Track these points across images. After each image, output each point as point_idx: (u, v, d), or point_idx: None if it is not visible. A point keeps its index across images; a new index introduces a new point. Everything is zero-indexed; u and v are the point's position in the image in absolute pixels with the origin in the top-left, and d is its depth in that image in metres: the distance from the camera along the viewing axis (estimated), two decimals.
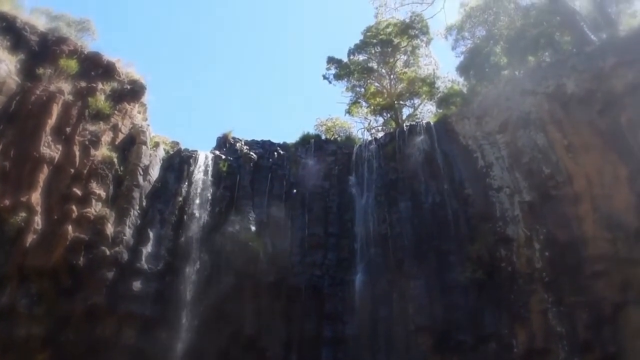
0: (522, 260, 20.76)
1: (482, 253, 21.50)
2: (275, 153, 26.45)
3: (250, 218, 23.32)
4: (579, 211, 20.36)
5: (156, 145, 24.22)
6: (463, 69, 30.05)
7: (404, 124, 30.70)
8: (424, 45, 34.52)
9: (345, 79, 34.61)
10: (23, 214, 19.64)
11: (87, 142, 22.01)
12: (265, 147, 26.76)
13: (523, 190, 21.90)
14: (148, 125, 25.00)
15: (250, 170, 25.11)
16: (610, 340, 18.64)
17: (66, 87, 22.62)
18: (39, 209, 20.00)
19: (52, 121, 21.64)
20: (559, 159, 21.53)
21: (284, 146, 27.29)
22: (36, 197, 20.08)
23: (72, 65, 23.28)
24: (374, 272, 22.79)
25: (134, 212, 21.76)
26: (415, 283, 22.07)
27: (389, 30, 34.02)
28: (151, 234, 21.80)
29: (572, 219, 20.32)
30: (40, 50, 23.35)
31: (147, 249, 21.53)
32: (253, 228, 23.17)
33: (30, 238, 19.60)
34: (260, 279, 22.48)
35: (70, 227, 20.20)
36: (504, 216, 21.82)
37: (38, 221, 19.87)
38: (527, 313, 20.11)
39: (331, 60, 34.68)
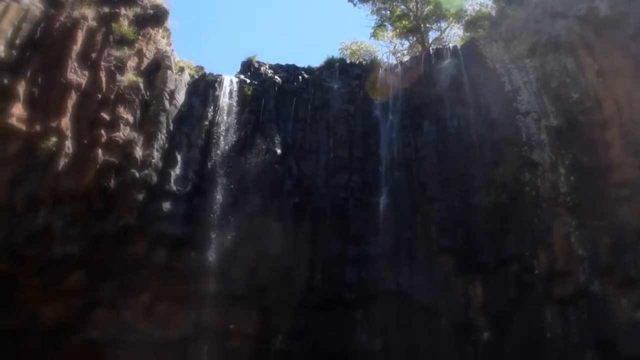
0: (547, 185, 20.86)
1: (506, 177, 21.63)
2: (300, 77, 26.41)
3: (276, 141, 23.54)
4: (607, 137, 20.25)
5: (181, 70, 24.29)
6: None
7: (430, 48, 30.28)
8: None
9: (371, 2, 34.08)
10: (54, 139, 20.03)
11: (112, 68, 22.12)
12: (289, 71, 26.70)
13: (550, 115, 21.76)
14: (172, 50, 25.02)
15: (275, 94, 25.17)
16: (631, 265, 18.84)
17: (89, 13, 22.55)
18: (69, 134, 20.37)
19: (77, 47, 21.70)
20: (588, 84, 21.25)
21: (309, 70, 27.20)
22: (66, 122, 20.43)
23: None
24: (398, 195, 23.09)
25: (162, 136, 22.07)
26: (438, 206, 22.39)
27: None
28: (179, 157, 22.18)
29: (599, 145, 20.24)
30: None
31: (175, 171, 21.96)
32: (278, 151, 23.42)
33: (62, 162, 20.06)
34: (285, 201, 22.96)
35: (100, 151, 20.61)
36: (530, 141, 21.78)
37: (69, 146, 20.29)
38: (550, 236, 20.38)
39: None
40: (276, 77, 25.84)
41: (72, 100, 20.89)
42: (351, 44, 33.57)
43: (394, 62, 30.13)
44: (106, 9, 23.25)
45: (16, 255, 19.71)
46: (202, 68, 25.55)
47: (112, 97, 21.81)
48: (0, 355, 21.70)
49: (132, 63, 22.93)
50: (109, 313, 21.21)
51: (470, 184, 22.25)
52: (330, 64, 27.81)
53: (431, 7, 33.09)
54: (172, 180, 21.67)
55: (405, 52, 34.22)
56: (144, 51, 23.63)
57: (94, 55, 22.07)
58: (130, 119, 21.91)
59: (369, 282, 22.18)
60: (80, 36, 21.87)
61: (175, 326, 21.42)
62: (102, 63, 22.08)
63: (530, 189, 21.19)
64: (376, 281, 22.08)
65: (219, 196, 22.37)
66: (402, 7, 34.03)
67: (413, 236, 22.46)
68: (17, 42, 20.78)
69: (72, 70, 21.14)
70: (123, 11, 23.63)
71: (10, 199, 19.43)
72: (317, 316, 21.98)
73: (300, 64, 27.66)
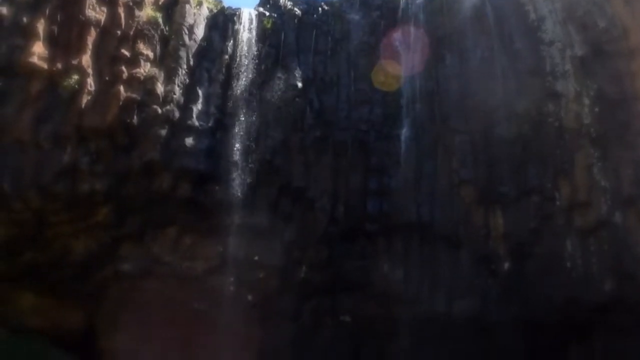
0: (571, 116, 20.65)
1: (529, 109, 21.39)
2: (320, 9, 25.87)
3: (296, 75, 23.36)
4: (633, 67, 19.85)
5: (199, 4, 23.91)
6: None
7: None
8: None
9: None
10: (75, 77, 20.09)
11: (130, 3, 21.81)
12: (309, 3, 26.15)
13: (575, 45, 21.27)
14: None
15: (294, 27, 24.79)
16: None
17: None
18: (90, 71, 20.38)
19: None
20: (615, 13, 20.62)
21: (328, 2, 26.61)
22: (86, 59, 20.40)
23: None
24: (420, 127, 23.05)
25: (182, 72, 22.01)
26: (460, 138, 22.35)
27: None
28: (200, 92, 22.16)
29: (625, 75, 19.88)
30: None
31: (197, 106, 21.98)
32: (299, 84, 23.26)
33: (84, 100, 20.18)
34: (307, 134, 23.02)
35: (121, 88, 20.66)
36: (554, 71, 21.41)
37: (90, 83, 20.35)
38: (572, 168, 20.36)
39: None
40: (296, 9, 25.38)
41: (91, 37, 20.81)
42: None
43: None
44: None
45: (45, 192, 20.16)
46: (220, 2, 25.11)
47: (132, 33, 21.65)
48: (35, 287, 22.65)
49: None
50: (136, 246, 21.88)
51: (492, 115, 22.06)
52: None
53: None
54: (194, 116, 21.74)
55: None
56: None
57: None
58: (150, 54, 21.82)
59: (390, 214, 22.44)
60: None
61: (201, 258, 22.05)
62: None
63: (553, 120, 21.00)
64: (397, 213, 22.32)
65: (240, 131, 22.47)
66: None
67: (434, 168, 22.54)
68: None
69: (91, 7, 20.94)
70: None
71: (36, 137, 19.73)
72: (339, 247, 22.39)
73: None
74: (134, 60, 21.35)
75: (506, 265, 21.22)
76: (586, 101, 20.50)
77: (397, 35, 25.10)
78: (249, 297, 22.08)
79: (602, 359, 20.28)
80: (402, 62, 24.53)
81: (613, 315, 19.72)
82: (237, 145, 22.34)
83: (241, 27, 24.08)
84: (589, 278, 19.82)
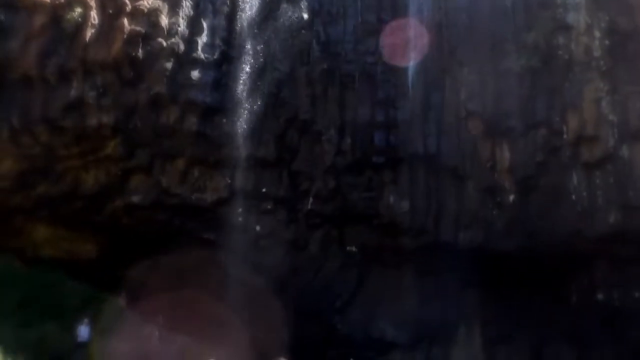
0: (581, 49, 20.31)
1: (539, 41, 21.04)
2: None
3: (302, 6, 22.90)
4: None
5: None
6: None
7: None
8: None
9: None
10: (79, 10, 19.81)
11: None
12: None
13: None
14: None
15: None
16: None
17: None
18: (93, 4, 20.06)
19: None
20: None
21: None
22: None
23: None
24: (427, 59, 22.75)
25: (186, 3, 21.54)
26: (468, 70, 22.12)
27: None
28: (205, 25, 21.81)
29: (637, 7, 19.39)
30: None
31: (202, 39, 21.71)
32: (305, 16, 22.90)
33: (89, 33, 19.97)
34: (314, 67, 22.81)
35: (125, 20, 20.36)
36: (564, 3, 20.84)
37: (94, 16, 20.08)
38: (580, 101, 20.21)
39: None
40: None
41: None
42: None
43: None
44: None
45: (53, 126, 20.33)
46: None
47: None
48: (48, 219, 23.15)
49: None
50: (146, 178, 22.18)
51: (501, 47, 21.72)
52: None
53: None
54: (199, 48, 21.51)
55: None
56: None
57: None
58: None
59: (397, 146, 22.50)
60: None
61: (209, 190, 22.34)
62: None
63: (563, 53, 20.67)
64: (404, 145, 22.38)
65: (246, 63, 22.29)
66: None
67: (441, 100, 22.44)
68: None
69: None
70: None
71: (42, 72, 19.72)
72: (346, 179, 22.58)
73: None
74: None
75: (511, 197, 21.41)
76: (597, 34, 20.11)
77: None
78: (257, 228, 22.49)
79: (603, 288, 20.83)
80: None
81: (615, 246, 20.07)
82: (243, 77, 22.21)
83: None
84: (593, 210, 20.05)
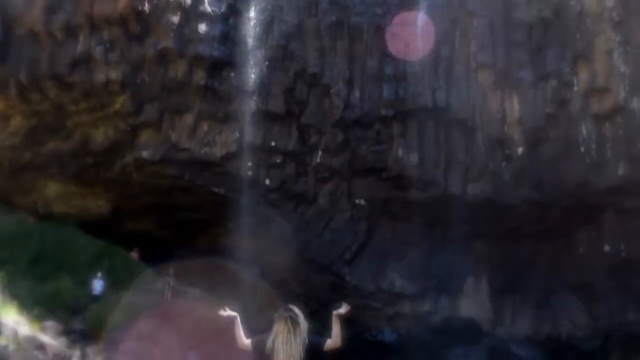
0: (593, 0, 20.03)
1: None
2: None
3: None
4: None
5: None
6: None
7: None
8: None
9: None
10: None
11: None
12: None
13: None
14: None
15: None
16: None
17: None
18: None
19: None
20: None
21: None
22: None
23: None
24: (437, 10, 22.42)
25: None
26: (478, 21, 21.80)
27: None
28: None
29: None
30: None
31: None
32: None
33: None
34: (322, 19, 22.52)
35: None
36: None
37: None
38: (592, 53, 19.96)
39: None
40: None
41: None
42: None
43: None
44: None
45: (61, 82, 20.32)
46: None
47: None
48: (59, 175, 23.31)
49: None
50: (155, 134, 22.23)
51: None
52: None
53: None
54: (206, 1, 21.26)
55: None
56: None
57: None
58: None
59: (406, 99, 22.37)
60: None
61: (218, 144, 22.36)
62: None
63: (575, 4, 20.31)
64: (413, 97, 22.26)
65: (254, 16, 22.03)
66: None
67: (451, 52, 22.18)
68: None
69: None
70: None
71: (48, 28, 19.67)
72: (355, 132, 22.54)
73: None
74: None
75: (520, 149, 21.39)
76: None
77: None
78: (267, 182, 22.61)
79: (609, 239, 21.02)
80: None
81: (623, 198, 20.15)
82: (251, 30, 21.98)
83: None
84: (602, 162, 20.08)
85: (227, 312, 4.87)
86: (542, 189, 21.14)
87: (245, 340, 4.86)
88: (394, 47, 22.06)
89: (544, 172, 21.09)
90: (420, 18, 22.06)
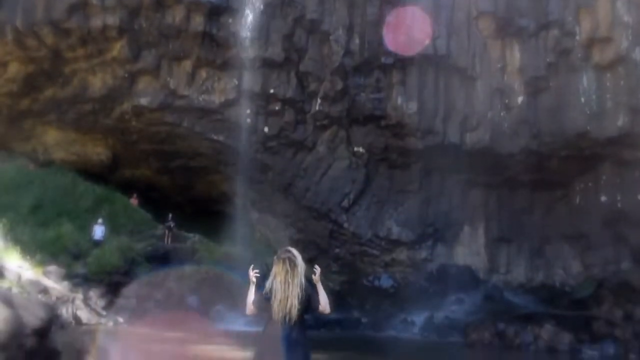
0: None
1: None
2: None
3: None
4: None
5: None
6: None
7: None
8: None
9: None
10: None
11: None
12: None
13: None
14: None
15: None
16: None
17: None
18: None
19: None
20: None
21: None
22: None
23: None
24: None
25: None
26: None
27: None
28: None
29: None
30: None
31: None
32: None
33: None
34: None
35: None
36: None
37: None
38: (594, 1, 19.64)
39: None
40: None
41: None
42: None
43: None
44: None
45: (58, 28, 20.07)
46: None
47: None
48: (58, 122, 23.28)
49: None
50: (153, 80, 22.11)
51: None
52: None
53: None
54: None
55: None
56: None
57: None
58: None
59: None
60: None
61: (217, 91, 22.27)
62: None
63: None
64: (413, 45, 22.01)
65: None
66: None
67: (452, 0, 21.85)
68: None
69: None
70: None
71: None
72: (354, 79, 22.40)
73: None
74: None
75: (520, 99, 21.33)
76: None
77: None
78: (265, 129, 22.59)
79: (606, 190, 21.14)
80: None
81: (621, 149, 20.18)
82: None
83: None
84: (602, 113, 20.00)
85: (251, 273, 4.99)
86: (540, 138, 21.16)
87: (250, 304, 4.99)
88: None
89: (543, 121, 21.07)
90: None
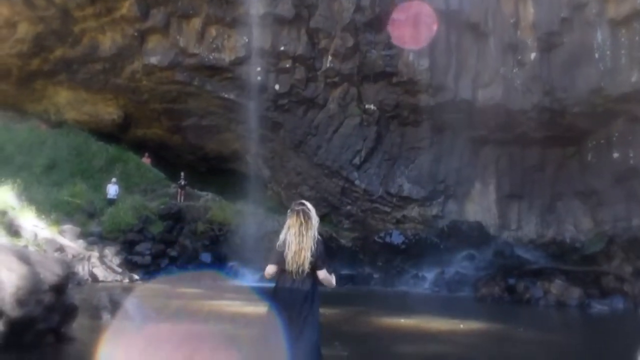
0: None
1: None
2: None
3: None
4: None
5: None
6: None
7: None
8: None
9: None
10: None
11: None
12: None
13: None
14: None
15: None
16: None
17: None
18: None
19: None
20: None
21: None
22: None
23: None
24: None
25: None
26: None
27: None
28: None
29: None
30: None
31: None
32: None
33: None
34: None
35: None
36: None
37: None
38: None
39: None
40: None
41: None
42: None
43: None
44: None
45: None
46: None
47: None
48: (69, 82, 23.26)
49: None
50: (163, 39, 22.06)
51: None
52: None
53: None
54: None
55: None
56: None
57: None
58: None
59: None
60: None
61: (227, 49, 22.18)
62: None
63: None
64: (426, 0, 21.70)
65: None
66: None
67: None
68: None
69: None
70: None
71: None
72: (365, 36, 22.20)
73: None
74: None
75: (533, 55, 21.08)
76: None
77: None
78: (276, 87, 22.53)
79: (618, 146, 20.97)
80: None
81: (635, 105, 19.94)
82: None
83: None
84: (616, 69, 19.72)
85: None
86: (553, 95, 20.97)
87: (268, 271, 5.06)
88: None
89: (556, 78, 20.85)
90: None
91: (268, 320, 4.90)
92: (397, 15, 21.62)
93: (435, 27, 21.43)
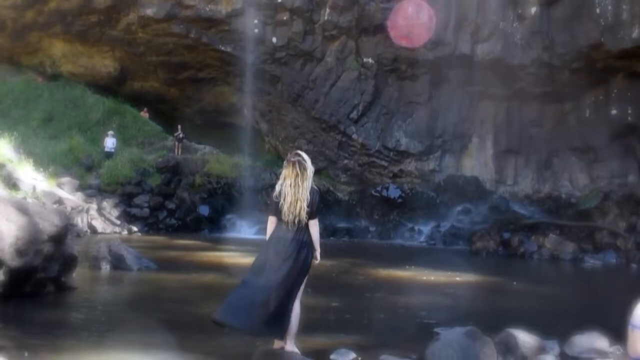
0: None
1: None
2: None
3: None
4: None
5: None
6: None
7: None
8: None
9: None
10: None
11: None
12: None
13: None
14: None
15: None
16: None
17: None
18: None
19: None
20: None
21: None
22: None
23: None
24: None
25: None
26: None
27: None
28: None
29: None
30: None
31: None
32: None
33: None
34: None
35: None
36: None
37: None
38: None
39: None
40: None
41: None
42: None
43: None
44: None
45: None
46: None
47: None
48: (64, 34, 23.04)
49: None
50: None
51: None
52: None
53: None
54: None
55: None
56: None
57: None
58: None
59: None
60: None
61: (224, 1, 21.97)
62: None
63: None
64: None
65: None
66: None
67: None
68: None
69: None
70: None
71: None
72: None
73: None
74: None
75: (533, 9, 20.86)
76: None
77: None
78: (274, 40, 22.35)
79: (616, 103, 20.93)
80: None
81: (635, 61, 19.85)
82: None
83: None
84: (617, 24, 19.55)
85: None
86: (553, 50, 20.80)
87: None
88: None
89: (556, 33, 20.66)
90: None
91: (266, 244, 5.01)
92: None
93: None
